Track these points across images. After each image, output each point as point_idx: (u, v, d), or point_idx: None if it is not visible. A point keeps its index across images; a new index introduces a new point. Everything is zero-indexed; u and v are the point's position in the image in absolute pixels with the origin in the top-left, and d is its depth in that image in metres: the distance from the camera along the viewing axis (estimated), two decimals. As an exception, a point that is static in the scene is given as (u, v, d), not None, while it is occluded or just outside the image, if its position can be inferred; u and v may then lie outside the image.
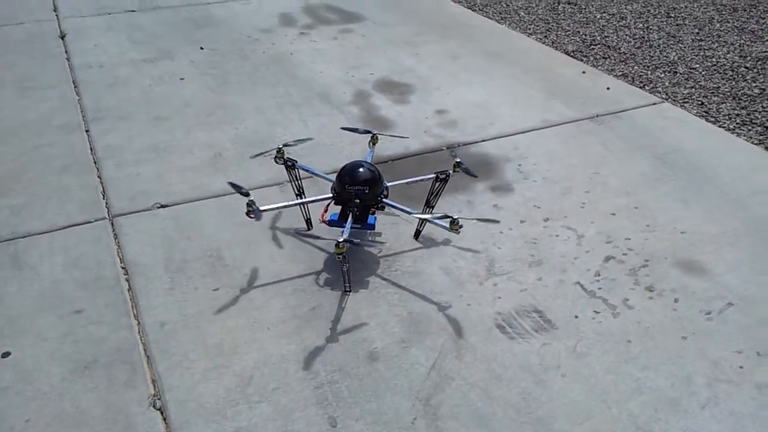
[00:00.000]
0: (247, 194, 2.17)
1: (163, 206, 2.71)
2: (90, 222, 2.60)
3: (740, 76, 4.17)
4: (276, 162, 2.49)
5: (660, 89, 3.96)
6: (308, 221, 2.62)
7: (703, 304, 2.26)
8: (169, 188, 2.82)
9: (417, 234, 2.60)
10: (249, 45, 4.30)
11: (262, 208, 2.20)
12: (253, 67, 4.01)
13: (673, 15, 5.10)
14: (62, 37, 4.31)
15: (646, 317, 2.19)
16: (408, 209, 2.37)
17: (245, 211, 2.17)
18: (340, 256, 2.14)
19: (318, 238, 2.52)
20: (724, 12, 5.20)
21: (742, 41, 4.67)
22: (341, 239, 2.11)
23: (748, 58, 4.41)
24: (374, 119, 3.48)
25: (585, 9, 5.13)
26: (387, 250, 2.50)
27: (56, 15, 4.65)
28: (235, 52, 4.20)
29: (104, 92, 3.66)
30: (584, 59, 4.31)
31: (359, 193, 2.29)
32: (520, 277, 2.36)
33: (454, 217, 2.13)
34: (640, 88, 3.95)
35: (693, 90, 3.97)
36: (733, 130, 3.56)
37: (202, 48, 4.22)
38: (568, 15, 5.01)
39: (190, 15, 4.73)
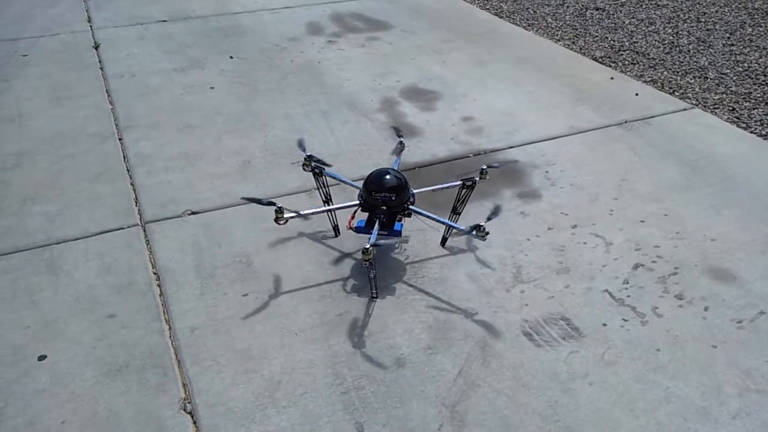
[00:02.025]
0: (270, 204, 2.21)
1: (193, 213, 2.76)
2: (123, 228, 2.66)
3: (773, 81, 4.11)
4: (304, 169, 2.52)
5: (690, 95, 3.91)
6: (336, 228, 2.64)
7: (734, 313, 2.23)
8: (199, 195, 2.87)
9: (443, 241, 2.61)
10: (277, 53, 4.35)
11: (288, 215, 2.24)
12: (281, 75, 4.06)
13: (703, 20, 5.04)
14: (96, 48, 4.40)
15: (676, 326, 2.17)
16: (435, 216, 2.39)
17: (274, 218, 2.21)
18: (367, 263, 2.16)
19: (345, 250, 2.54)
20: (756, 16, 5.13)
21: (775, 45, 4.61)
22: (368, 245, 2.12)
23: (781, 63, 4.34)
24: (401, 126, 3.49)
25: (613, 15, 5.09)
26: (414, 257, 2.51)
27: (90, 26, 4.76)
28: (263, 60, 4.25)
29: (136, 101, 3.74)
30: (612, 65, 4.28)
31: (386, 199, 2.31)
32: (548, 284, 2.36)
33: (480, 224, 2.14)
34: (670, 93, 3.91)
35: (724, 96, 3.92)
36: (766, 136, 3.50)
37: (231, 57, 4.28)
38: (596, 21, 4.98)
39: (219, 25, 4.81)
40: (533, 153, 3.24)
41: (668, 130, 3.47)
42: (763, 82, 4.09)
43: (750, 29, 4.88)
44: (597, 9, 5.20)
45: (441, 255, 2.52)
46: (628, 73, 4.16)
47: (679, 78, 4.12)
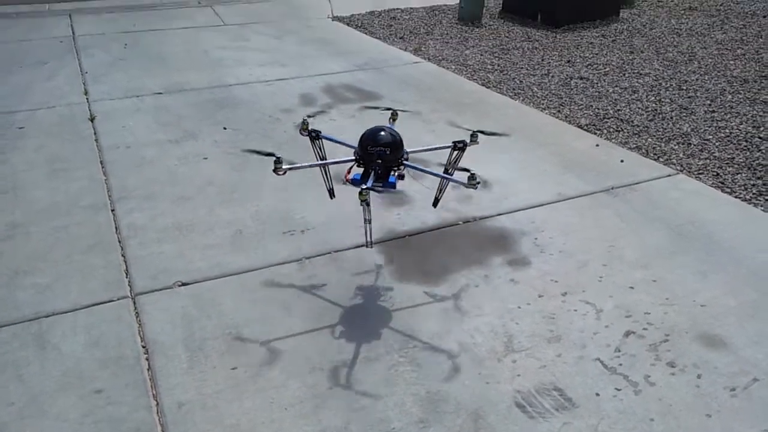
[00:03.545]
0: (269, 155, 2.42)
1: (184, 284, 2.76)
2: (113, 300, 2.65)
3: (754, 146, 4.21)
4: (301, 134, 2.65)
5: (674, 161, 4.00)
6: (331, 191, 2.75)
7: (727, 380, 2.22)
8: (190, 266, 2.88)
9: (435, 202, 2.69)
10: (270, 125, 4.44)
11: (286, 166, 2.42)
12: (274, 145, 4.13)
13: (684, 87, 5.19)
14: (92, 120, 4.49)
15: (669, 394, 2.16)
16: (427, 169, 2.53)
17: (272, 168, 2.39)
18: (364, 203, 2.33)
19: (335, 322, 2.54)
20: (734, 83, 5.29)
21: (755, 112, 4.73)
22: (364, 186, 2.32)
23: (762, 129, 4.45)
24: (392, 194, 3.54)
25: (597, 84, 5.24)
26: (403, 325, 2.50)
27: (87, 98, 4.86)
28: (256, 131, 4.33)
29: (130, 172, 3.78)
30: (597, 132, 4.38)
31: (381, 153, 2.47)
32: (539, 353, 2.35)
33: (472, 172, 2.31)
34: (655, 160, 4.00)
35: (708, 161, 4.00)
36: (750, 200, 3.56)
37: (225, 128, 4.37)
38: (581, 90, 5.12)
39: (214, 96, 4.92)
40: (522, 220, 3.28)
41: (654, 196, 3.53)
42: (745, 148, 4.18)
43: (730, 96, 5.03)
44: (581, 78, 5.36)
45: (432, 324, 2.52)
46: (613, 140, 4.26)
47: (663, 144, 4.21)
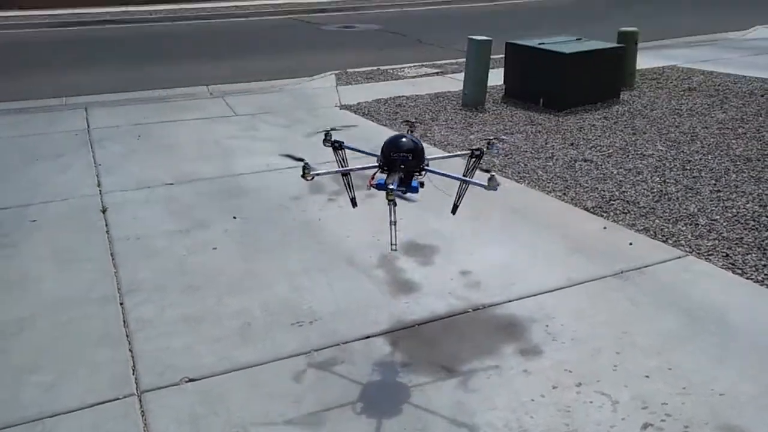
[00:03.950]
0: (301, 159, 2.59)
1: (191, 380, 2.73)
2: (118, 399, 2.61)
3: (762, 226, 4.20)
4: (324, 144, 2.84)
5: (683, 242, 3.99)
6: (353, 200, 2.97)
7: (751, 476, 2.14)
8: (197, 361, 2.85)
9: (455, 209, 2.84)
10: (279, 213, 4.49)
11: (314, 172, 2.58)
12: (283, 234, 4.17)
13: (688, 167, 5.24)
14: (103, 212, 4.56)
15: (692, 492, 2.08)
16: (448, 173, 2.67)
17: (301, 174, 2.56)
18: (391, 202, 2.51)
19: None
20: (738, 162, 5.34)
21: (761, 191, 4.75)
22: (391, 186, 2.46)
23: (769, 207, 4.46)
24: (400, 282, 3.54)
25: (601, 165, 5.30)
26: (414, 421, 2.44)
27: (99, 190, 4.95)
28: (266, 220, 4.38)
29: (140, 264, 3.81)
30: (604, 215, 4.40)
31: (404, 159, 2.64)
32: (554, 448, 2.28)
33: (492, 174, 2.46)
34: (663, 241, 3.99)
35: (716, 242, 3.99)
36: (762, 281, 3.53)
37: (234, 217, 4.42)
38: (585, 172, 5.18)
39: (224, 186, 5.00)
40: (532, 307, 3.25)
41: (664, 279, 3.50)
42: (753, 227, 4.18)
43: (734, 175, 5.06)
44: (585, 160, 5.43)
45: (442, 413, 2.46)
46: (621, 223, 4.27)
47: (670, 226, 4.22)
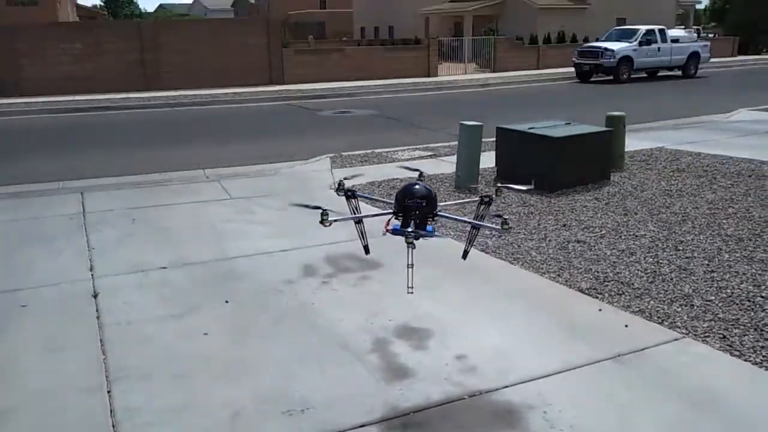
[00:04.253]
0: (318, 208, 2.77)
1: (177, 474, 2.63)
2: (101, 495, 2.51)
3: (758, 306, 4.18)
4: (337, 194, 3.05)
5: (679, 324, 3.96)
6: (366, 247, 3.13)
7: None
8: (185, 453, 2.76)
9: (465, 254, 3.04)
10: (272, 296, 4.46)
11: (332, 218, 2.77)
12: (275, 318, 4.12)
13: (681, 248, 5.26)
14: (95, 297, 4.52)
15: None
16: (461, 218, 2.92)
17: (319, 221, 2.77)
18: (410, 246, 2.70)
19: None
20: (730, 242, 5.37)
21: (754, 270, 4.76)
22: (410, 229, 2.68)
23: (763, 288, 4.45)
24: (394, 368, 3.47)
25: (594, 246, 5.32)
26: None
27: (92, 274, 4.92)
28: (258, 304, 4.34)
29: (129, 350, 3.74)
30: (599, 296, 4.38)
31: (418, 205, 2.86)
32: None
33: (504, 217, 2.62)
34: (659, 323, 3.96)
35: (713, 323, 3.96)
36: (761, 363, 3.49)
37: (226, 302, 4.38)
38: (579, 253, 5.19)
39: (217, 270, 4.99)
40: (529, 392, 3.18)
41: (662, 363, 3.45)
42: (749, 308, 4.16)
43: (727, 255, 5.08)
44: (578, 241, 5.45)
45: None
46: (616, 304, 4.25)
47: (666, 307, 4.19)
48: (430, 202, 2.94)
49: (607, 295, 4.40)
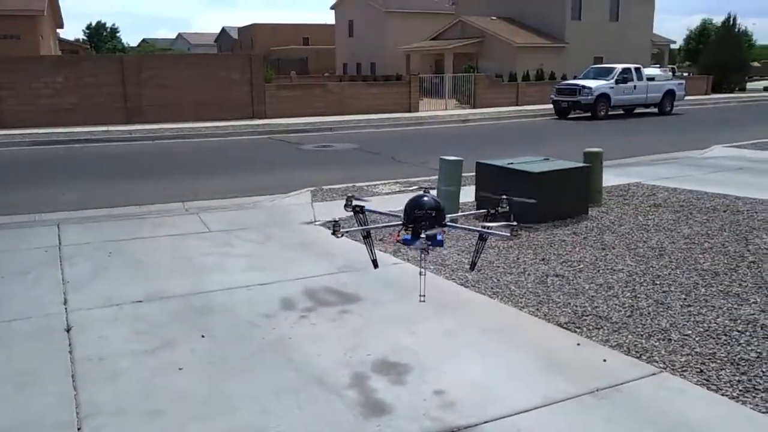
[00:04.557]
0: (334, 221, 2.97)
1: None
2: None
3: (734, 340, 4.21)
4: (345, 209, 3.21)
5: (657, 358, 3.97)
6: (374, 261, 3.42)
7: None
8: (156, 492, 2.69)
9: (473, 266, 3.24)
10: (249, 331, 4.40)
11: (344, 230, 2.93)
12: (252, 353, 4.07)
13: (658, 282, 5.30)
14: (68, 331, 4.43)
15: None
16: (470, 227, 3.13)
17: (332, 232, 3.00)
18: (424, 252, 2.84)
19: None
20: (706, 276, 5.42)
21: (730, 305, 4.80)
22: (423, 236, 2.87)
23: (739, 321, 4.49)
24: (372, 403, 3.43)
25: (573, 281, 5.35)
26: None
27: (65, 308, 4.84)
28: (235, 338, 4.29)
29: (102, 386, 3.66)
30: (578, 330, 4.38)
31: (428, 216, 3.01)
32: None
33: (513, 223, 2.80)
34: (637, 358, 3.97)
35: (690, 357, 3.98)
36: (737, 398, 3.50)
37: (203, 336, 4.32)
38: (557, 287, 5.21)
39: (194, 303, 4.93)
40: (508, 428, 3.16)
41: (640, 397, 3.45)
42: (725, 342, 4.18)
43: (703, 289, 5.13)
44: (557, 276, 5.47)
45: None
46: (594, 339, 4.25)
47: (643, 341, 4.21)
48: (438, 213, 3.14)
49: (585, 329, 4.41)
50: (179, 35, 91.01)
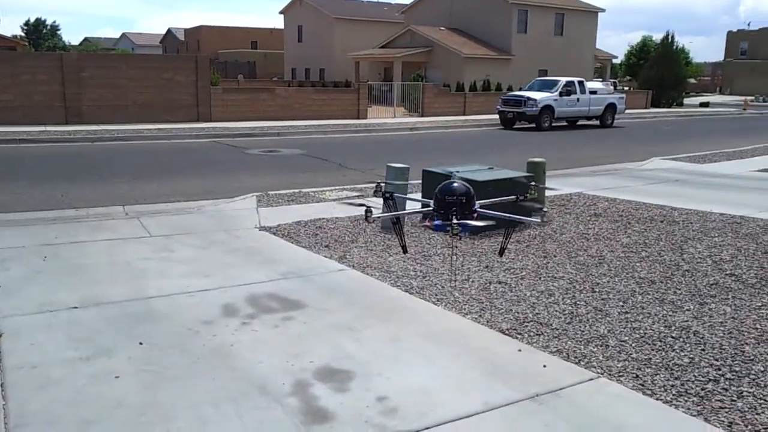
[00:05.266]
0: (362, 205, 2.91)
1: None
2: None
3: (668, 346, 4.34)
4: (375, 195, 3.31)
5: (595, 364, 4.06)
6: (404, 247, 3.49)
7: None
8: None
9: (502, 251, 3.33)
10: (189, 338, 4.31)
11: (376, 214, 2.97)
12: (191, 361, 3.98)
13: (597, 290, 5.43)
14: (-3, 338, 4.25)
15: None
16: (499, 214, 3.14)
17: (364, 218, 3.19)
18: (456, 236, 2.89)
19: None
20: (643, 284, 5.58)
21: (665, 312, 4.95)
22: (455, 222, 2.91)
23: (673, 328, 4.64)
24: (314, 411, 3.40)
25: (515, 288, 5.43)
26: None
27: (-5, 315, 4.64)
28: (174, 346, 4.19)
29: (33, 395, 3.52)
30: (519, 337, 4.45)
31: (458, 202, 3.13)
32: None
33: (543, 208, 2.79)
34: (576, 363, 4.05)
35: (626, 363, 4.08)
36: (671, 402, 3.60)
37: (141, 343, 4.20)
38: (500, 294, 5.28)
39: (133, 310, 4.79)
40: (449, 434, 3.17)
41: (578, 402, 3.51)
42: (660, 348, 4.31)
43: (640, 297, 5.28)
44: (500, 283, 5.55)
45: None
46: (535, 345, 4.32)
47: (582, 347, 4.30)
48: (469, 198, 3.26)
49: (526, 335, 4.48)
50: (123, 35, 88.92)
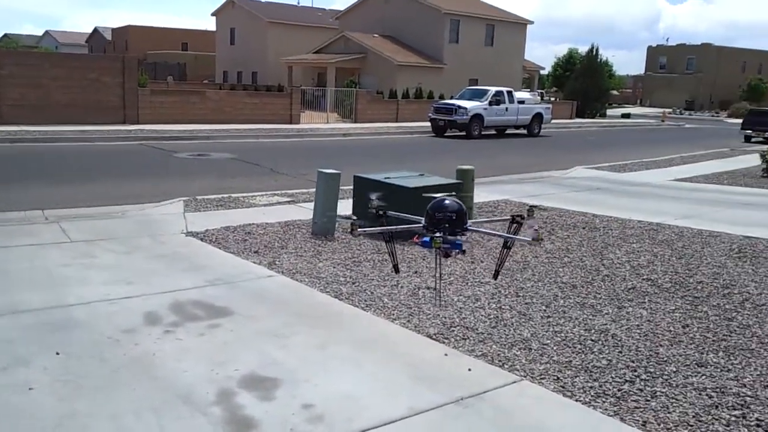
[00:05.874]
0: (349, 218, 2.79)
1: None
2: None
3: (588, 348, 4.50)
4: (368, 211, 3.20)
5: (518, 367, 4.16)
6: (396, 266, 3.55)
7: None
8: None
9: (496, 274, 3.32)
10: (109, 347, 4.17)
11: (362, 229, 2.96)
12: (112, 370, 3.86)
13: (521, 294, 5.57)
14: None
15: None
16: (493, 231, 3.01)
17: (349, 231, 3.02)
18: (439, 249, 2.89)
19: None
20: (565, 289, 5.76)
21: (585, 315, 5.13)
22: (438, 235, 2.88)
23: (593, 331, 4.80)
24: (239, 420, 3.35)
25: (443, 293, 5.51)
26: None
27: None
28: (93, 355, 4.05)
29: (-64, 410, 3.34)
30: (446, 341, 4.51)
31: (448, 218, 3.09)
32: None
33: (536, 228, 2.91)
34: (500, 367, 4.14)
35: (548, 365, 4.20)
36: (589, 403, 3.73)
37: (57, 353, 4.04)
38: (428, 299, 5.34)
39: (50, 318, 4.60)
40: (374, 439, 3.19)
41: (502, 405, 3.60)
42: (580, 351, 4.46)
43: (562, 301, 5.45)
44: (428, 288, 5.62)
45: None
46: (461, 349, 4.39)
47: (506, 350, 4.40)
48: (460, 216, 3.22)
49: (453, 340, 4.55)
50: (46, 32, 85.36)
